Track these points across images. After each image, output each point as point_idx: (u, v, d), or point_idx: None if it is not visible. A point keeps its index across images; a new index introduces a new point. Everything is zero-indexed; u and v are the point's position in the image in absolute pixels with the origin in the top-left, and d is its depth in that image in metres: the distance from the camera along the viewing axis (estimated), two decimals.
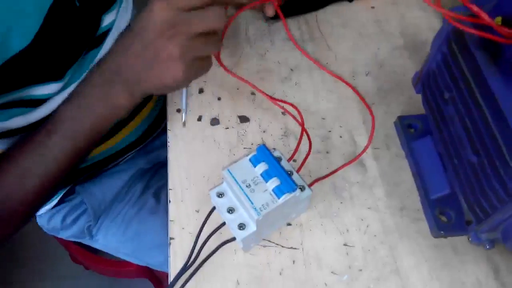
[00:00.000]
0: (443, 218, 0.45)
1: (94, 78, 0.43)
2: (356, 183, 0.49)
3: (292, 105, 0.53)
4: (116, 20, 0.56)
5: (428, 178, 0.47)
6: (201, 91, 0.57)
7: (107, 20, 0.54)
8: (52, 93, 0.50)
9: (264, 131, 0.53)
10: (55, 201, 0.68)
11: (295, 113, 0.52)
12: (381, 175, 0.49)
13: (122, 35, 0.42)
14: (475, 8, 0.35)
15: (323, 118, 0.54)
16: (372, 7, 0.64)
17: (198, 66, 0.41)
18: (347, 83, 0.56)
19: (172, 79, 0.40)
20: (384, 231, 0.46)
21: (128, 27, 0.41)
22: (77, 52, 0.50)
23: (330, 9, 0.64)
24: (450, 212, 0.44)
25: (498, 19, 0.37)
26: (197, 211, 0.47)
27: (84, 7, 0.49)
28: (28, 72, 0.46)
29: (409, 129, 0.51)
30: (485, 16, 0.35)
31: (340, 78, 0.56)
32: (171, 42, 0.38)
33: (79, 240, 0.72)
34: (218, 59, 0.51)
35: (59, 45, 0.47)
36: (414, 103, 0.54)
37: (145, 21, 0.39)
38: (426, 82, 0.47)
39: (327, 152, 0.51)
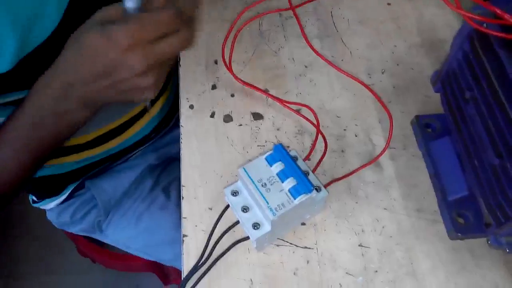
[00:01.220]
0: (460, 220, 0.44)
1: (45, 94, 0.40)
2: (372, 183, 0.48)
3: (307, 106, 0.52)
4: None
5: (445, 179, 0.46)
6: (214, 87, 0.56)
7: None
8: None
9: (278, 129, 0.53)
10: (64, 195, 0.68)
11: (310, 113, 0.51)
12: (398, 175, 0.49)
13: (68, 52, 0.39)
14: (498, 11, 0.34)
15: (338, 116, 0.53)
16: (389, 4, 0.63)
17: (166, 67, 0.39)
18: (362, 83, 0.55)
19: (143, 94, 0.39)
20: (400, 233, 0.45)
21: (74, 45, 0.38)
22: None
23: (346, 5, 0.63)
24: (468, 214, 0.44)
25: None
26: (210, 209, 0.47)
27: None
28: (43, 68, 0.45)
29: (426, 128, 0.50)
30: (509, 18, 0.34)
31: (355, 78, 0.55)
32: (131, 58, 0.36)
33: (88, 235, 0.72)
34: (229, 67, 0.51)
35: None
36: (432, 102, 0.53)
37: (97, 47, 0.36)
38: (446, 81, 0.46)
39: (342, 151, 0.51)
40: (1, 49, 0.41)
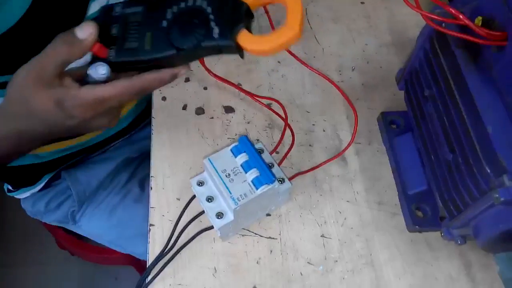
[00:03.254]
0: (419, 214, 0.46)
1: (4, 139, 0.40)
2: (337, 177, 0.50)
3: (276, 101, 0.53)
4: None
5: (406, 174, 0.47)
6: (187, 80, 0.57)
7: (94, 7, 0.53)
8: None
9: (248, 122, 0.54)
10: (40, 185, 0.68)
11: (280, 108, 0.52)
12: (362, 169, 0.50)
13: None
14: (453, 10, 0.35)
15: (308, 112, 0.54)
16: (362, 3, 0.64)
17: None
18: (331, 81, 0.56)
19: (105, 129, 0.41)
20: (361, 224, 0.46)
21: (21, 101, 0.37)
22: None
23: (321, 3, 0.64)
24: (426, 207, 0.45)
25: (479, 19, 0.38)
26: (178, 199, 0.48)
27: None
28: (9, 56, 0.45)
29: (391, 125, 0.51)
30: (463, 18, 0.35)
31: (324, 75, 0.56)
32: (88, 123, 0.38)
33: (62, 225, 0.72)
34: (202, 61, 0.52)
35: (43, 29, 0.46)
36: (398, 100, 0.55)
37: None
38: (409, 79, 0.47)
39: (310, 145, 0.52)
40: None
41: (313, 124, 0.54)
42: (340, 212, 0.47)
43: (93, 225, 0.69)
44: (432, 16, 0.38)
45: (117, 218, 0.68)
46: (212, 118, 0.54)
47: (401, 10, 0.63)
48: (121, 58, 0.36)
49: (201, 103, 0.55)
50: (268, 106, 0.54)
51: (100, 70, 0.36)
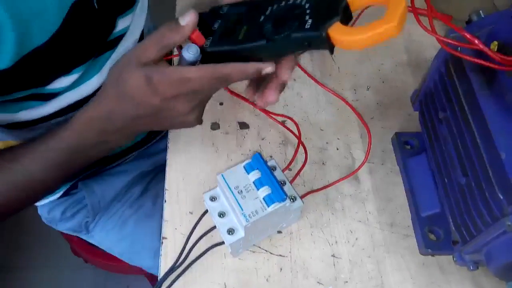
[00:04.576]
0: (432, 236, 0.45)
1: (89, 126, 0.44)
2: (349, 196, 0.50)
3: (290, 118, 0.54)
4: (131, 25, 0.57)
5: (420, 195, 0.47)
6: None
7: (121, 24, 0.55)
8: (61, 88, 0.51)
9: (263, 139, 0.54)
10: (59, 193, 0.70)
11: (294, 125, 0.53)
12: (374, 189, 0.50)
13: (106, 93, 0.42)
14: (468, 35, 0.35)
15: (322, 130, 0.55)
16: None
17: (206, 102, 0.43)
18: (344, 100, 0.56)
19: (188, 126, 0.43)
20: (372, 245, 0.46)
21: (116, 82, 0.40)
22: (89, 54, 0.51)
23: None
24: (439, 230, 0.45)
25: (494, 44, 0.38)
26: (191, 213, 0.48)
27: (102, 10, 0.50)
28: (42, 69, 0.47)
29: (405, 145, 0.51)
30: (479, 43, 0.35)
31: (337, 95, 0.57)
32: (174, 105, 0.39)
33: (75, 234, 0.73)
34: None
35: (73, 45, 0.48)
36: (413, 120, 0.55)
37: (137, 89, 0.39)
38: (424, 101, 0.47)
39: (323, 163, 0.52)
40: (1, 45, 0.43)
41: (327, 142, 0.54)
42: (352, 232, 0.47)
43: (105, 236, 0.70)
44: (448, 41, 0.38)
45: (128, 231, 0.69)
46: (227, 133, 0.55)
47: (418, 30, 0.62)
48: (215, 48, 0.38)
49: (216, 118, 0.56)
50: (283, 124, 0.54)
51: (191, 50, 0.38)
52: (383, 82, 0.59)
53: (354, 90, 0.58)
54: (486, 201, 0.35)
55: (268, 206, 0.41)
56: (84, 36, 0.49)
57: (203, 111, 0.43)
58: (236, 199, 0.42)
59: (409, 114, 0.55)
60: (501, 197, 0.33)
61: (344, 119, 0.55)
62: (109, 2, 0.51)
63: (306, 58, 0.61)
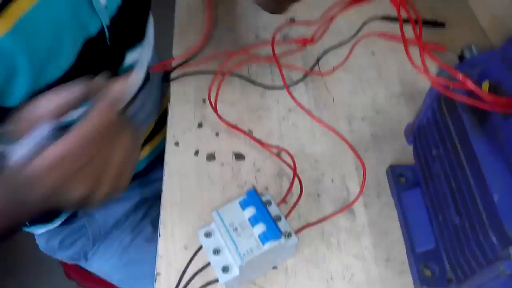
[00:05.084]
0: (427, 272, 0.45)
1: None
2: (344, 230, 0.50)
3: (285, 150, 0.54)
4: (139, 59, 0.58)
5: (415, 230, 0.47)
6: (200, 125, 0.58)
7: (130, 57, 0.56)
8: (73, 120, 0.51)
9: (258, 170, 0.54)
10: (58, 222, 0.69)
11: (289, 157, 0.53)
12: (370, 223, 0.50)
13: None
14: (460, 76, 0.36)
15: (317, 161, 0.55)
16: (373, 53, 0.65)
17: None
18: (338, 134, 0.56)
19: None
20: (368, 282, 0.46)
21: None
22: None
23: (332, 52, 0.65)
24: (434, 267, 0.45)
25: (486, 83, 0.38)
26: (186, 248, 0.48)
27: (114, 46, 0.51)
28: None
29: (400, 178, 0.51)
30: (470, 84, 0.36)
31: (331, 128, 0.57)
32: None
33: (73, 262, 0.73)
34: (214, 108, 0.53)
35: (84, 78, 0.49)
36: (408, 152, 0.55)
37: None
38: (417, 136, 0.48)
39: (318, 196, 0.52)
40: (16, 83, 0.43)
41: (322, 174, 0.54)
42: (347, 268, 0.47)
43: (104, 264, 0.70)
44: (439, 81, 0.39)
45: (128, 257, 0.68)
46: (223, 165, 0.55)
47: None
48: None
49: (212, 149, 0.56)
50: (278, 155, 0.55)
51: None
52: (377, 113, 0.59)
53: (349, 121, 0.58)
54: (480, 243, 0.35)
55: (263, 244, 0.41)
56: (95, 70, 0.49)
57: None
58: (231, 237, 0.42)
59: (403, 146, 0.56)
60: (494, 240, 0.33)
61: (339, 151, 0.56)
62: (121, 38, 0.52)
63: (301, 88, 0.61)
